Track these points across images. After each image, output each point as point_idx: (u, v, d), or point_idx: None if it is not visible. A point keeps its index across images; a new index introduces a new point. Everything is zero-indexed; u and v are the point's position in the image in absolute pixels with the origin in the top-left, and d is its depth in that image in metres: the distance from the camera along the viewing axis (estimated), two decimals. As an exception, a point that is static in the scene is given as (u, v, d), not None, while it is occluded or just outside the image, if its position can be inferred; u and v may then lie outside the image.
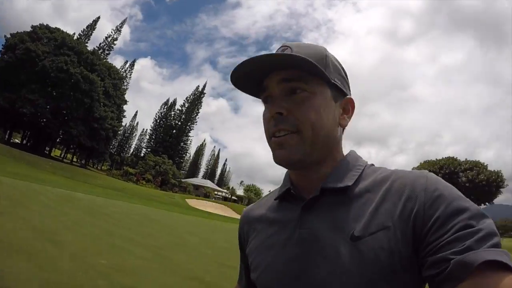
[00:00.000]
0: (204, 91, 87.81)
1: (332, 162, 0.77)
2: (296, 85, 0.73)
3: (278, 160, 0.75)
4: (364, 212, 0.68)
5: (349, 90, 0.82)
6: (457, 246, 0.55)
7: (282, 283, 0.71)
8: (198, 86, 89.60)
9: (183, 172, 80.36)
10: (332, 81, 0.75)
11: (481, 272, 0.52)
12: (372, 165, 0.81)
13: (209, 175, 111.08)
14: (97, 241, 6.81)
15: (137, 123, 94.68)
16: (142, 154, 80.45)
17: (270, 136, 0.76)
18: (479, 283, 0.52)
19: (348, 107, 0.80)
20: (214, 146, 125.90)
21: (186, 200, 34.88)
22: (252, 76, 0.76)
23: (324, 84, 0.74)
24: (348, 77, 0.84)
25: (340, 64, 0.81)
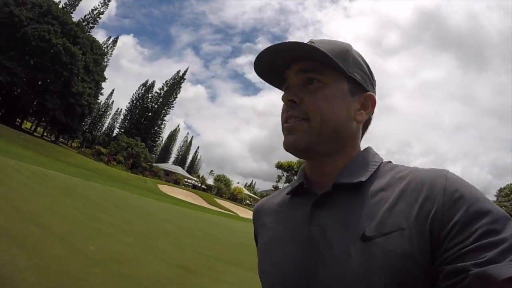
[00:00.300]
0: (185, 77, 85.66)
1: (346, 157, 0.76)
2: (312, 76, 0.73)
3: (285, 145, 0.75)
4: (378, 211, 0.64)
5: (373, 88, 0.80)
6: (479, 257, 0.51)
7: (287, 283, 0.68)
8: (179, 70, 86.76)
9: (154, 156, 78.61)
10: (351, 74, 0.74)
11: (505, 286, 0.48)
12: (390, 162, 0.77)
13: (180, 161, 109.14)
14: (81, 226, 6.68)
15: (113, 102, 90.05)
16: (114, 134, 77.97)
17: (283, 123, 0.77)
18: None
19: (367, 103, 0.78)
20: (188, 133, 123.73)
21: (158, 185, 34.34)
22: (274, 67, 0.77)
23: (341, 77, 0.74)
24: (374, 76, 0.83)
25: (365, 61, 0.80)
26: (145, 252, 6.26)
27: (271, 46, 0.72)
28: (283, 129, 0.76)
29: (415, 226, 0.59)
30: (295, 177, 0.85)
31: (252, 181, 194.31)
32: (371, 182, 0.70)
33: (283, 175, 76.98)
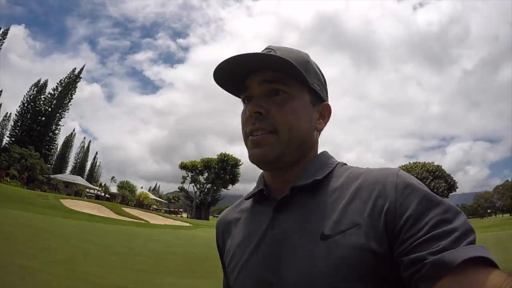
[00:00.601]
0: (81, 75, 77.29)
1: (305, 163, 0.77)
2: (276, 87, 0.73)
3: (253, 158, 0.75)
4: (334, 210, 0.66)
5: (327, 96, 0.83)
6: (433, 246, 0.54)
7: (256, 287, 0.70)
8: (75, 68, 77.43)
9: (50, 166, 70.35)
10: (312, 86, 0.76)
11: (461, 270, 0.51)
12: (345, 164, 0.80)
13: (78, 170, 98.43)
14: (3, 265, 6.07)
15: (0, 105, 77.21)
16: (3, 144, 67.06)
17: (247, 135, 0.76)
18: (458, 280, 0.51)
19: (324, 112, 0.81)
20: (84, 137, 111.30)
21: (61, 200, 31.27)
22: (234, 75, 0.76)
23: (303, 88, 0.75)
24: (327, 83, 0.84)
25: (320, 71, 0.82)
26: (78, 280, 6.04)
27: (235, 56, 0.71)
28: (249, 141, 0.76)
29: (369, 222, 0.62)
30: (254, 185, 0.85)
31: (156, 184, 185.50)
32: (327, 183, 0.72)
33: (188, 176, 75.90)
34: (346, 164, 0.80)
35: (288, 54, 0.73)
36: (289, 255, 0.66)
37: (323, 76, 0.83)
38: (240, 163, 76.82)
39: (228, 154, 76.81)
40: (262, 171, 0.83)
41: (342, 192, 0.69)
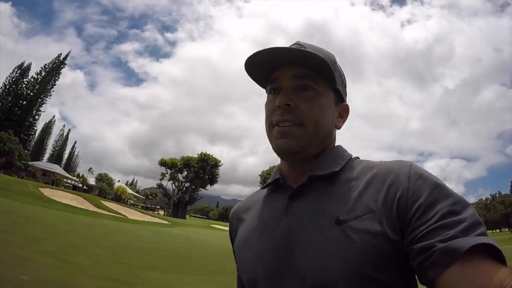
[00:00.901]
0: (65, 62, 75.41)
1: (323, 156, 0.79)
2: (307, 83, 0.75)
3: (278, 148, 0.76)
4: (349, 197, 0.67)
5: (346, 97, 0.85)
6: (442, 234, 0.54)
7: (269, 273, 0.70)
8: (60, 54, 75.47)
9: (27, 152, 67.83)
10: (337, 86, 0.79)
11: (470, 258, 0.51)
12: (358, 157, 0.82)
13: (56, 158, 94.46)
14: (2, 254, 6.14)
15: None
16: None
17: (274, 125, 0.77)
18: (468, 268, 0.51)
19: (343, 112, 0.84)
20: (64, 125, 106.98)
21: (40, 189, 30.51)
22: (265, 65, 0.77)
23: (329, 87, 0.78)
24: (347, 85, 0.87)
25: (343, 72, 0.85)
26: (72, 271, 6.14)
27: (273, 48, 0.72)
28: (274, 131, 0.76)
29: (383, 209, 0.63)
30: (271, 175, 0.86)
31: (134, 178, 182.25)
32: (343, 173, 0.74)
33: (167, 173, 75.03)
34: (359, 158, 0.82)
35: (320, 52, 0.75)
36: (303, 240, 0.67)
37: (345, 78, 0.86)
38: (220, 164, 76.68)
39: (209, 154, 76.59)
40: (279, 162, 0.85)
41: (357, 182, 0.71)
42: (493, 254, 0.53)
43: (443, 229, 0.55)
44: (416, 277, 0.62)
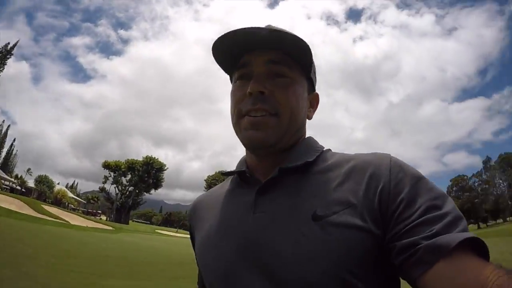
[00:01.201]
0: (12, 52, 67.27)
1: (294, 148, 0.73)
2: (282, 69, 0.69)
3: (249, 141, 0.68)
4: (326, 191, 0.62)
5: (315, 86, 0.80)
6: (426, 231, 0.52)
7: (233, 277, 0.63)
8: (8, 43, 67.55)
9: None
10: (311, 74, 0.75)
11: (455, 255, 0.50)
12: (330, 150, 0.76)
13: None
14: None
15: None
16: None
17: (243, 115, 0.69)
18: (454, 264, 0.49)
19: (314, 102, 0.79)
20: (3, 121, 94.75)
21: (-26, 193, 28.19)
22: (233, 49, 0.69)
23: (303, 75, 0.73)
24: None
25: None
26: (31, 281, 6.05)
27: (248, 28, 0.64)
28: (244, 122, 0.69)
29: (364, 202, 0.59)
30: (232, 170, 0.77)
31: (74, 181, 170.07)
32: (316, 165, 0.69)
33: (110, 176, 71.52)
34: (331, 150, 0.77)
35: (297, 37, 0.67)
36: (275, 238, 0.60)
37: (315, 66, 0.80)
38: (165, 167, 74.98)
39: (154, 158, 74.47)
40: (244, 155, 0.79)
41: (333, 174, 0.66)
42: (478, 249, 0.52)
43: (427, 225, 0.53)
44: (398, 274, 0.59)
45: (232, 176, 0.81)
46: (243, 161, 0.78)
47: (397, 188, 0.59)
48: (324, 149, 0.76)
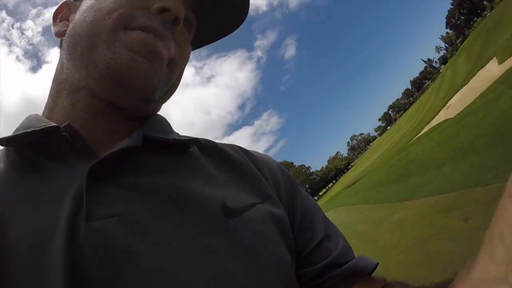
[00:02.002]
0: None
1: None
2: (193, 21, 0.49)
3: (133, 67, 0.38)
4: (225, 179, 0.43)
5: None
6: (334, 248, 0.45)
7: None
8: None
9: None
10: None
11: (367, 276, 0.45)
12: None
13: None
14: None
15: None
16: None
17: (131, 28, 0.40)
18: (368, 286, 0.44)
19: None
20: None
21: None
22: None
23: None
24: None
25: None
26: None
27: None
28: (137, 38, 0.39)
29: (276, 195, 0.46)
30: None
31: None
32: (201, 147, 0.47)
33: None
34: None
35: None
36: (151, 263, 0.31)
37: None
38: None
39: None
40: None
41: (230, 161, 0.47)
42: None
43: (331, 241, 0.46)
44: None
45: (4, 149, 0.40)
46: (41, 118, 0.41)
47: (291, 193, 0.52)
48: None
